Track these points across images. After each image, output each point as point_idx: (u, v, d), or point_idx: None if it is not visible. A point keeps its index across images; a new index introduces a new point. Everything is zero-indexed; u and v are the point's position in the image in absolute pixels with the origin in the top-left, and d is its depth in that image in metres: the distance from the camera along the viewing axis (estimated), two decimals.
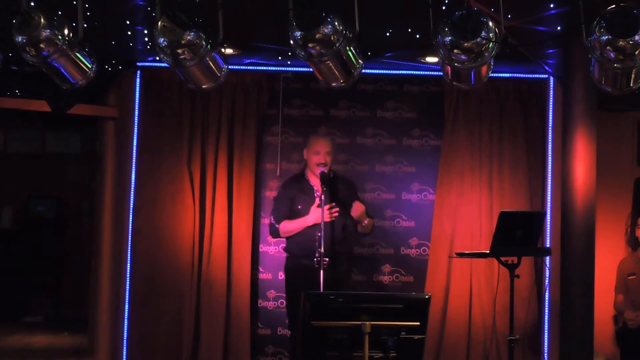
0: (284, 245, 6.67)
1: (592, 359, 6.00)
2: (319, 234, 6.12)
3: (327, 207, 6.24)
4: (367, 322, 4.35)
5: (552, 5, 5.36)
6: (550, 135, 7.24)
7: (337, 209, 6.28)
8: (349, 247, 6.68)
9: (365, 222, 6.47)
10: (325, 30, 4.57)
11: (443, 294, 7.21)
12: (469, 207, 7.29)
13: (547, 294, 7.16)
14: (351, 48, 4.82)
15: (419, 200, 7.45)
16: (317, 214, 6.23)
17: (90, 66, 5.19)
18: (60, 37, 4.84)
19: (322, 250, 6.05)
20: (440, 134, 7.44)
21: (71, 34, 4.89)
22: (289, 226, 6.48)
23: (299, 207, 6.48)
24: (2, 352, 8.34)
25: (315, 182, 6.52)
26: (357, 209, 6.43)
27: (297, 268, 6.40)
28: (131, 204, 7.25)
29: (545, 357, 7.14)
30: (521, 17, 5.53)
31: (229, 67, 5.30)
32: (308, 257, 6.26)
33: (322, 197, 6.17)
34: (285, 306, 6.78)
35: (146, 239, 7.20)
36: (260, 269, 7.37)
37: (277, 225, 6.52)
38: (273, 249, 7.35)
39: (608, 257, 7.32)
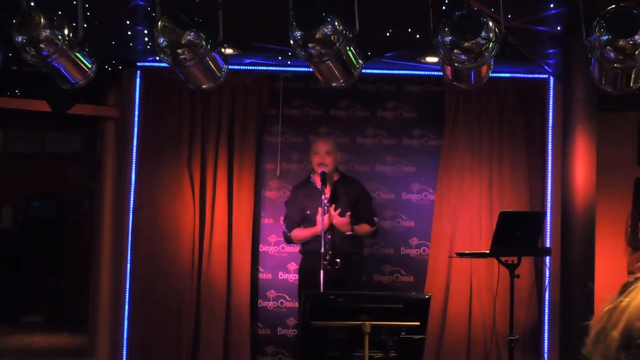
0: (299, 247, 6.74)
1: None
2: (329, 236, 6.20)
3: (332, 209, 6.29)
4: (367, 322, 4.35)
5: (552, 5, 5.36)
6: (550, 135, 7.24)
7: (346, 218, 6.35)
8: (357, 248, 6.70)
9: (348, 232, 6.48)
10: (325, 30, 4.57)
11: (443, 294, 7.21)
12: (469, 207, 7.29)
13: (547, 294, 7.16)
14: (351, 48, 4.82)
15: (419, 200, 7.45)
16: (325, 223, 6.25)
17: (90, 66, 5.20)
18: (60, 37, 4.84)
19: (330, 252, 6.14)
20: (440, 134, 7.44)
21: (71, 34, 4.90)
22: (300, 234, 6.60)
23: (308, 212, 6.52)
24: (2, 352, 8.33)
25: (321, 185, 6.54)
26: (338, 219, 6.44)
27: (311, 269, 6.41)
28: (131, 204, 7.26)
29: (545, 357, 7.14)
30: (521, 17, 5.53)
31: (229, 67, 5.31)
32: (320, 258, 6.31)
33: (326, 200, 6.22)
34: (298, 307, 6.78)
35: (146, 239, 7.21)
36: (260, 269, 7.37)
37: (289, 234, 6.64)
38: (273, 249, 7.35)
39: (608, 257, 7.32)
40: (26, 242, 10.52)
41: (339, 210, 6.41)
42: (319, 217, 6.34)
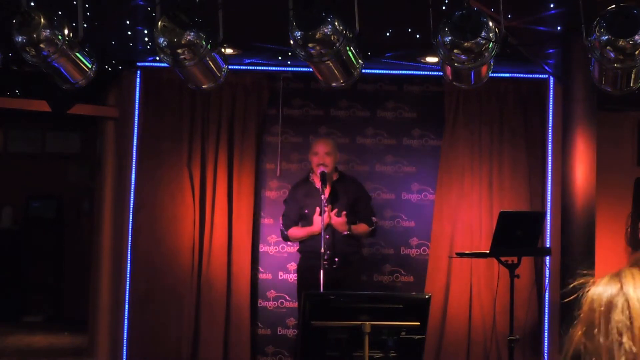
0: (298, 246, 6.73)
1: None
2: (327, 236, 6.20)
3: (330, 210, 6.28)
4: (367, 322, 4.35)
5: (552, 5, 5.36)
6: (550, 135, 7.24)
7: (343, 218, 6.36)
8: (356, 247, 6.69)
9: (345, 232, 6.46)
10: (325, 30, 4.57)
11: (443, 294, 7.21)
12: (469, 207, 7.29)
13: (547, 294, 7.16)
14: (351, 48, 4.82)
15: (419, 200, 7.45)
16: (324, 222, 6.23)
17: (90, 66, 5.20)
18: (60, 37, 4.84)
19: (329, 251, 6.13)
20: (440, 134, 7.44)
21: (71, 34, 4.90)
22: (296, 233, 6.59)
23: (306, 211, 6.52)
24: (2, 352, 8.33)
25: (320, 184, 6.53)
26: (335, 219, 6.42)
27: (310, 268, 6.40)
28: (131, 204, 7.26)
29: (545, 357, 7.14)
30: (521, 17, 5.53)
31: (229, 67, 5.31)
32: (319, 257, 6.30)
33: (325, 201, 6.21)
34: (298, 306, 6.78)
35: (146, 239, 7.21)
36: (260, 269, 7.36)
37: (286, 232, 6.63)
38: (273, 249, 7.35)
39: (608, 257, 7.32)
40: (26, 242, 10.52)
41: (335, 210, 6.41)
42: (316, 217, 6.33)
